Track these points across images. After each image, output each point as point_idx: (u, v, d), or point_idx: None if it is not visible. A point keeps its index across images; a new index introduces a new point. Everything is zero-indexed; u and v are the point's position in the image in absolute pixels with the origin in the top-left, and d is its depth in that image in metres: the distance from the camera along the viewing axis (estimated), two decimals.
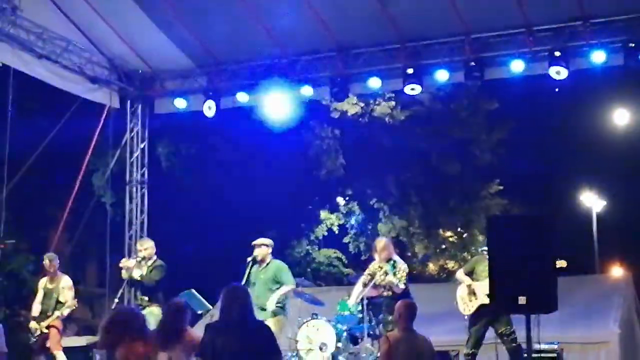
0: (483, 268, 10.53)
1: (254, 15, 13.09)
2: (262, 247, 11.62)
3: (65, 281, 12.19)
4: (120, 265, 12.12)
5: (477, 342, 10.69)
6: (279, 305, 11.43)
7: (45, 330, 11.93)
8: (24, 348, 18.07)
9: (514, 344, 10.37)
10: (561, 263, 10.00)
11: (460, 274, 11.19)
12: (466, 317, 10.83)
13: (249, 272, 11.58)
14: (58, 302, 12.03)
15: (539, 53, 12.82)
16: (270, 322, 10.88)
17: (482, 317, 10.61)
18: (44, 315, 12.03)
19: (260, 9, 13.03)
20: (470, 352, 10.66)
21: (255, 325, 6.47)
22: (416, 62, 13.31)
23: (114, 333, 5.75)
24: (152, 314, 11.41)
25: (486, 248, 9.78)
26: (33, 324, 12.06)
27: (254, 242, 11.73)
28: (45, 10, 13.02)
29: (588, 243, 31.07)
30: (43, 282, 12.35)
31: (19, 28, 12.43)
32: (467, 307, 10.78)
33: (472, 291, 10.71)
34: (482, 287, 10.34)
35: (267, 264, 11.61)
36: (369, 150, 23.60)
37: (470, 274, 10.98)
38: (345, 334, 11.49)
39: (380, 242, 11.63)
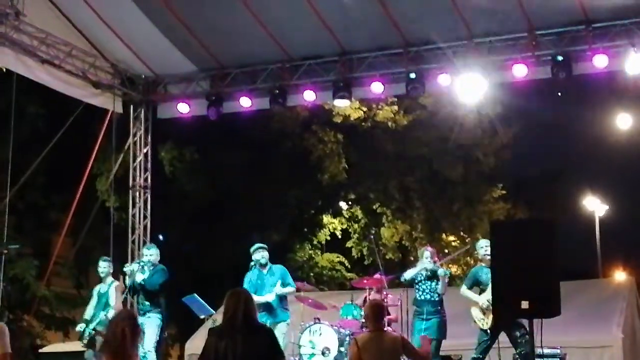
0: (486, 277, 10.50)
1: (257, 19, 13.10)
2: (264, 251, 11.73)
3: (115, 284, 12.24)
4: (125, 269, 12.14)
5: (487, 348, 10.65)
6: (286, 309, 11.52)
7: (92, 332, 12.02)
8: (27, 352, 18.14)
9: (528, 347, 10.29)
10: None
11: (465, 291, 11.07)
12: (488, 331, 10.73)
13: (252, 277, 11.65)
14: (107, 304, 12.10)
15: (541, 57, 12.83)
16: (276, 327, 10.97)
17: (499, 327, 10.57)
18: (94, 318, 12.14)
19: (263, 13, 13.05)
20: (480, 357, 10.62)
21: (259, 329, 6.47)
22: (419, 67, 13.34)
23: None
24: (151, 319, 11.44)
25: (489, 252, 9.77)
26: (80, 325, 12.16)
27: (257, 246, 11.78)
28: (49, 15, 13.06)
29: (591, 247, 31.08)
30: (97, 288, 12.47)
31: (22, 33, 12.48)
32: (485, 322, 10.71)
33: (485, 307, 10.62)
34: None
35: (270, 268, 11.70)
36: (371, 154, 23.58)
37: (473, 286, 10.93)
38: (347, 338, 11.50)
39: (430, 249, 11.69)
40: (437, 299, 11.09)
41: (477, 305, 10.76)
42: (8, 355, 6.90)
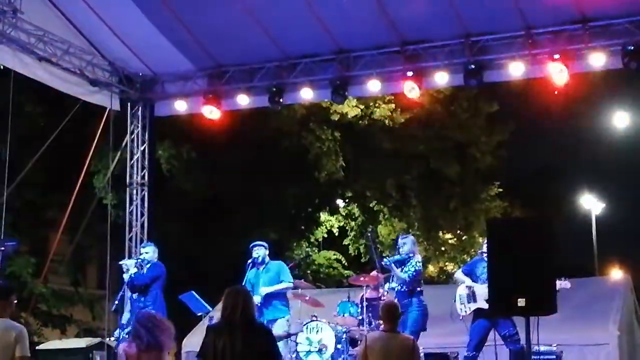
0: (482, 270, 10.57)
1: (254, 17, 13.12)
2: (261, 248, 11.74)
3: None
4: (120, 263, 12.17)
5: (478, 345, 10.69)
6: (284, 305, 11.54)
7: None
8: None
9: (517, 346, 10.36)
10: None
11: (459, 274, 11.22)
12: (462, 317, 10.84)
13: (249, 276, 11.67)
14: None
15: (538, 56, 12.85)
16: (275, 324, 11.00)
17: (481, 321, 10.63)
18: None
19: (261, 12, 13.06)
20: (471, 354, 10.67)
21: (257, 327, 6.49)
22: (416, 65, 13.35)
23: None
24: None
25: (486, 250, 9.83)
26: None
27: (254, 244, 11.82)
28: (46, 13, 13.05)
29: (587, 245, 31.14)
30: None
31: (19, 31, 12.47)
32: (464, 307, 10.81)
33: (471, 293, 10.73)
34: (481, 290, 10.37)
35: (267, 265, 11.72)
36: (368, 152, 23.62)
37: (469, 274, 11.01)
38: (344, 335, 11.53)
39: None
40: (405, 289, 11.07)
41: (463, 285, 10.87)
42: (27, 359, 7.01)
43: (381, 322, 8.44)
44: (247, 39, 13.59)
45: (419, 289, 11.08)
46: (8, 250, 12.35)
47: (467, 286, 10.83)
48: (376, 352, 7.77)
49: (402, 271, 11.09)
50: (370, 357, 7.79)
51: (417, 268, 11.11)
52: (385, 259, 11.33)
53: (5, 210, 13.61)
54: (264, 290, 11.40)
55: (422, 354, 11.19)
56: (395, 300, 11.16)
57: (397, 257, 11.30)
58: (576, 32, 12.51)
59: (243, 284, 11.45)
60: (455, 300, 10.90)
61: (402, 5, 12.66)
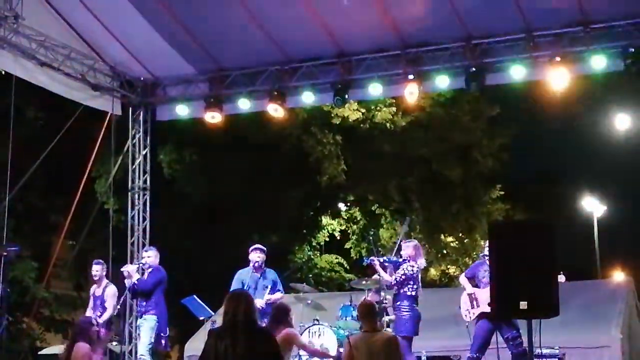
0: (483, 273, 10.57)
1: (256, 21, 13.13)
2: (262, 253, 11.74)
3: (110, 288, 12.24)
4: (122, 269, 12.20)
5: (481, 347, 10.67)
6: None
7: None
8: (27, 354, 18.14)
9: (520, 349, 10.35)
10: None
11: (462, 279, 11.22)
12: (467, 324, 10.84)
13: (244, 278, 11.67)
14: (104, 308, 12.11)
15: (539, 58, 12.85)
16: None
17: (484, 324, 10.62)
18: None
19: (262, 15, 13.07)
20: (475, 356, 10.66)
21: (258, 330, 6.47)
22: (417, 68, 13.36)
23: None
24: (146, 321, 11.49)
25: (487, 253, 9.82)
26: None
27: (254, 247, 11.81)
28: (47, 18, 13.08)
29: (589, 248, 31.11)
30: (92, 289, 12.50)
31: (21, 36, 12.49)
32: (468, 314, 10.80)
33: (474, 299, 10.72)
34: (483, 295, 10.36)
35: (265, 271, 11.73)
36: (370, 156, 23.61)
37: (471, 278, 11.01)
38: (346, 339, 11.51)
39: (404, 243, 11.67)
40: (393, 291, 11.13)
41: (465, 292, 10.87)
42: None
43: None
44: (249, 43, 13.60)
45: (408, 293, 11.00)
46: (10, 255, 12.37)
47: (468, 293, 10.82)
48: (360, 352, 7.81)
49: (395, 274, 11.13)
50: (356, 358, 7.82)
51: (406, 272, 11.03)
52: (368, 258, 11.38)
53: (7, 215, 13.63)
54: (270, 298, 11.45)
55: (424, 357, 11.25)
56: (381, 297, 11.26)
57: (393, 259, 11.31)
58: (577, 34, 12.51)
59: (233, 283, 11.47)
60: (459, 307, 10.91)
61: (403, 8, 12.67)
